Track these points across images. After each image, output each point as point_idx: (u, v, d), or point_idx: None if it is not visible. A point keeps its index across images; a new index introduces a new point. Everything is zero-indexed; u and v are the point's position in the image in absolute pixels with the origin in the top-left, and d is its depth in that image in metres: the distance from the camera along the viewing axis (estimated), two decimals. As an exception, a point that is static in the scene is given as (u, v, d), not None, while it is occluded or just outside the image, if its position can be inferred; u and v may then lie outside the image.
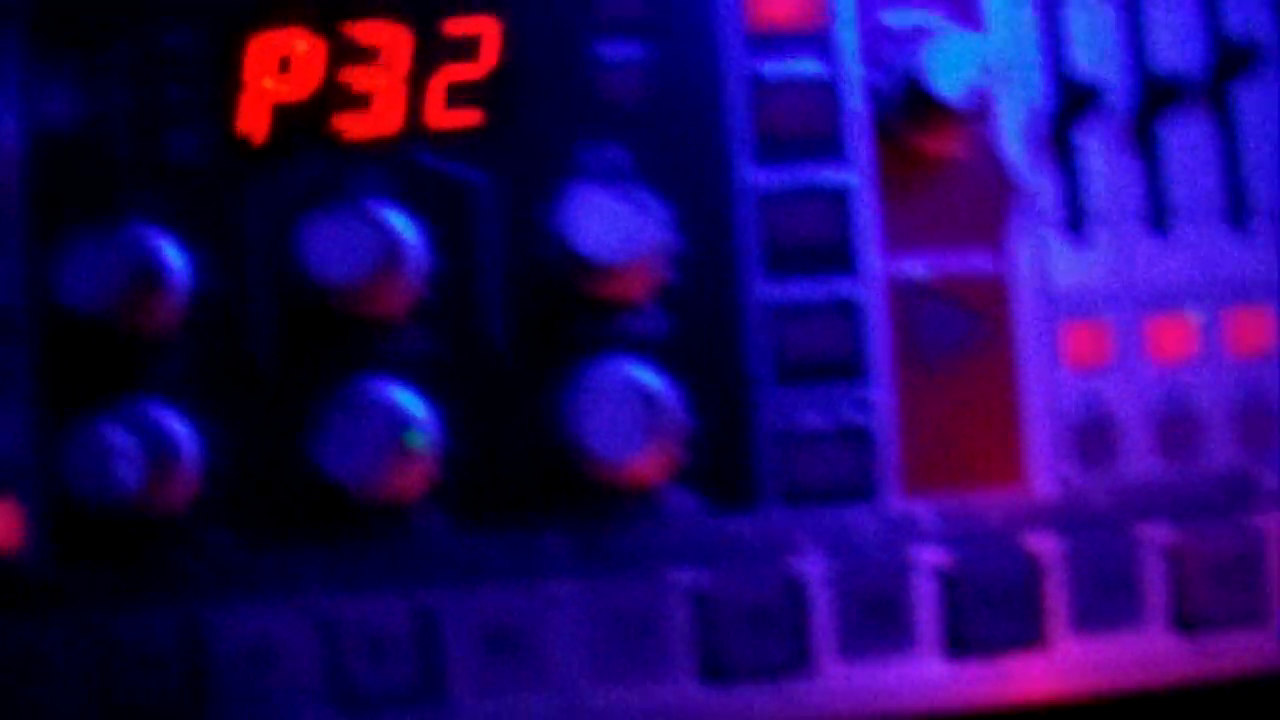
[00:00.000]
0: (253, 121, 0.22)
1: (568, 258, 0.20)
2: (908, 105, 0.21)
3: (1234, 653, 0.22)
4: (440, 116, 0.22)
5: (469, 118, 0.22)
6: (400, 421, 0.20)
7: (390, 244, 0.20)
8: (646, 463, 0.21)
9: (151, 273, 0.21)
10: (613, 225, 0.20)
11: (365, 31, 0.22)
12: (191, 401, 0.21)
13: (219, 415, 0.21)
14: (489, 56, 0.22)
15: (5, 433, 0.21)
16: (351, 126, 0.22)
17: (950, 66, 0.20)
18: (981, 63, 0.20)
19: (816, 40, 0.22)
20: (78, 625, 0.21)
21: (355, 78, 0.22)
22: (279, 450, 0.21)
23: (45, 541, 0.21)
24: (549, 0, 0.22)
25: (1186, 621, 0.22)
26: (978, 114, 0.21)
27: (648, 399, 0.20)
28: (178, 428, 0.21)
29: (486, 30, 0.22)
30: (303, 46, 0.22)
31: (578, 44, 0.22)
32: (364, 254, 0.20)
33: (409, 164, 0.22)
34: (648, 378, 0.21)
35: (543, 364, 0.21)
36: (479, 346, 0.22)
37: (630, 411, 0.20)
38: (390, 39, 0.22)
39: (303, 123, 0.22)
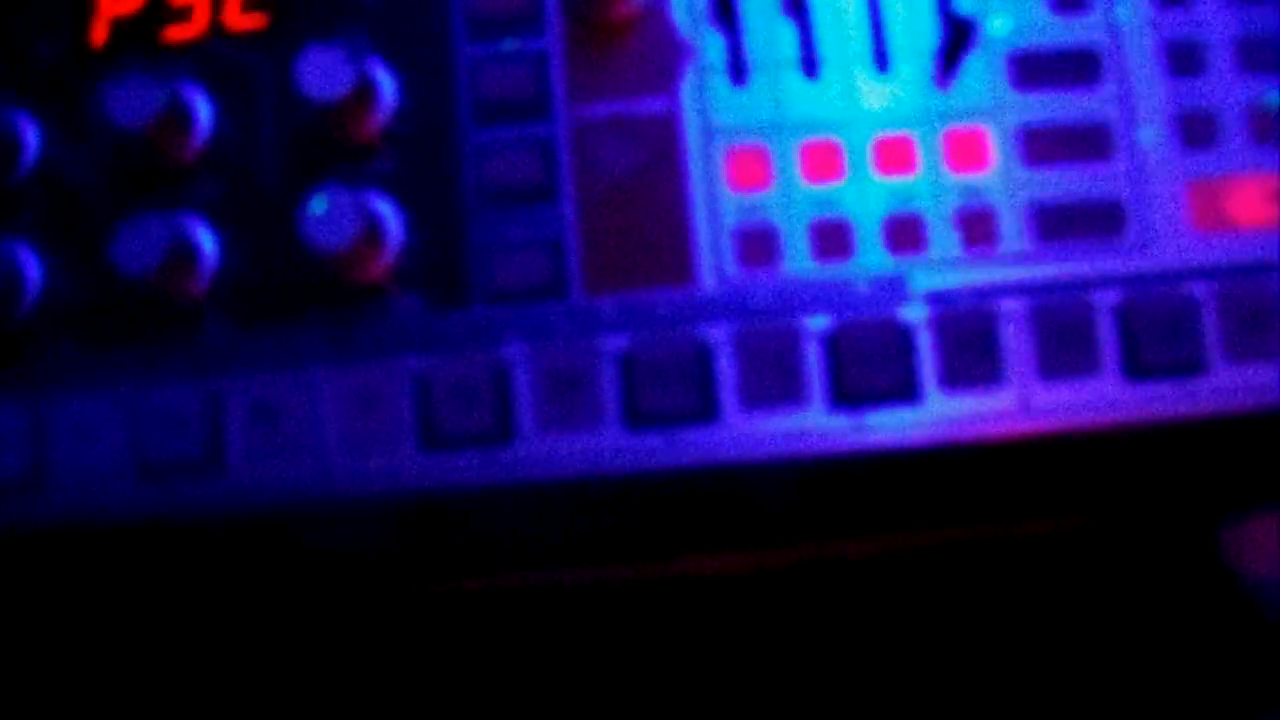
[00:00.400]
0: (99, 32, 0.29)
1: (303, 103, 0.26)
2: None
3: (889, 428, 0.26)
4: (236, 21, 0.28)
5: (256, 20, 0.28)
6: (184, 241, 0.26)
7: (179, 103, 0.27)
8: (373, 267, 0.26)
9: (7, 138, 0.27)
10: (336, 75, 0.26)
11: (184, -35, 0.29)
12: (38, 233, 0.28)
13: (58, 245, 0.27)
14: (273, -26, 0.28)
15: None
16: (173, 33, 0.29)
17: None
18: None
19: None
20: (112, 393, 0.27)
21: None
22: (100, 269, 0.27)
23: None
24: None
25: (845, 398, 0.26)
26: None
27: (368, 213, 0.26)
28: (24, 254, 0.27)
29: (273, -45, 0.29)
30: (138, -23, 0.29)
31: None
32: (157, 111, 0.26)
33: (210, 55, 0.28)
34: (375, 202, 0.26)
35: (299, 196, 0.27)
36: (254, 185, 0.27)
37: (352, 216, 0.25)
38: (201, -32, 0.29)
39: (134, 31, 0.29)
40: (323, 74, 0.26)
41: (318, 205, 0.25)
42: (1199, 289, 0.26)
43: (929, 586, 0.34)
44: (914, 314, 0.26)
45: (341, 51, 0.26)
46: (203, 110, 0.28)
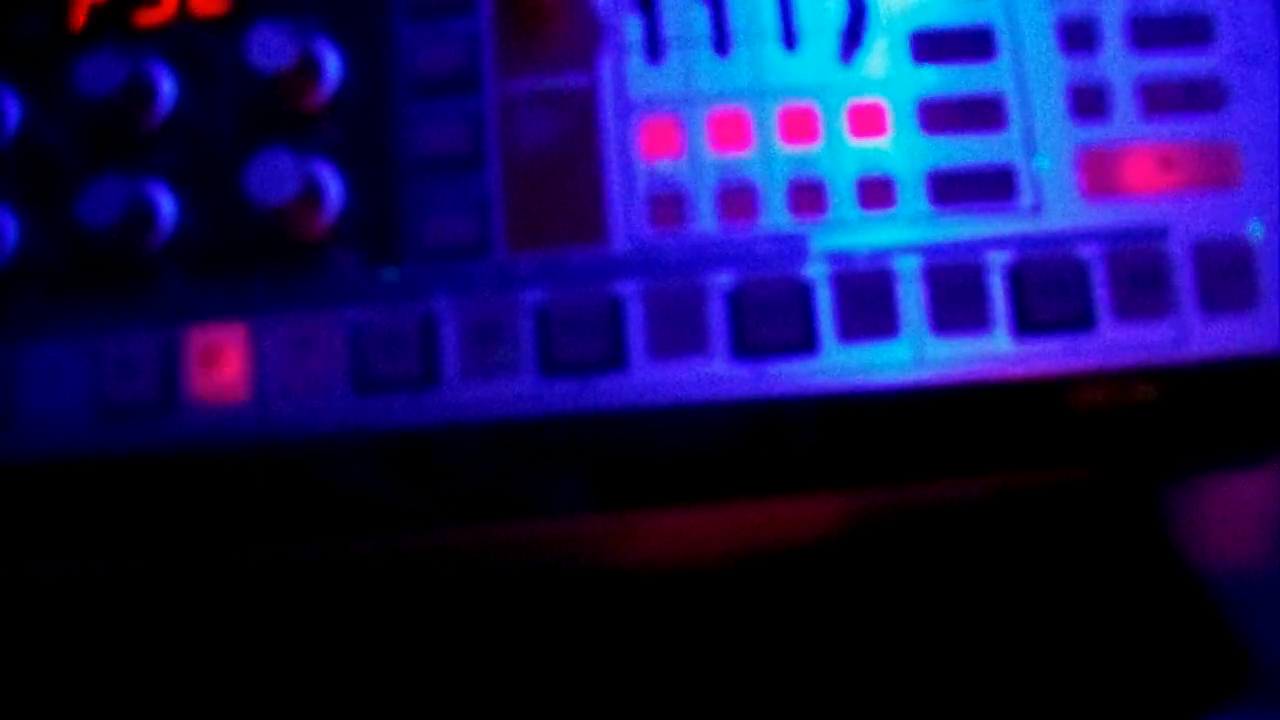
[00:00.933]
0: (77, 16, 0.31)
1: (253, 75, 0.28)
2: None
3: (788, 378, 0.27)
4: (201, 6, 0.31)
5: (220, 6, 0.31)
6: (144, 202, 0.29)
7: (144, 76, 0.29)
8: (314, 226, 0.29)
9: (-7, 111, 0.30)
10: (282, 49, 0.28)
11: (156, -47, 0.32)
12: (15, 195, 0.30)
13: (33, 204, 0.30)
14: (236, -36, 0.31)
15: None
16: (143, 18, 0.31)
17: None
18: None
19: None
20: (75, 340, 0.29)
21: (149, -15, 0.31)
22: (68, 227, 0.30)
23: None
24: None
25: (747, 349, 0.28)
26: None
27: (309, 175, 0.28)
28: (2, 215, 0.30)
29: (236, -54, 0.31)
30: (116, -33, 0.32)
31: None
32: (123, 83, 0.29)
33: (176, 37, 0.31)
34: (318, 168, 0.29)
35: (250, 158, 0.29)
36: (209, 152, 0.30)
37: (293, 176, 0.28)
38: (171, -42, 0.31)
39: (109, 15, 0.31)
40: (270, 48, 0.28)
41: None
42: (1088, 250, 0.28)
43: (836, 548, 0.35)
44: (813, 271, 0.28)
45: (288, 28, 0.28)
46: (166, 84, 0.30)
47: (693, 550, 0.38)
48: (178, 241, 0.29)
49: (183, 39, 0.31)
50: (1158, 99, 0.29)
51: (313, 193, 0.28)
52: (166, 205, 0.30)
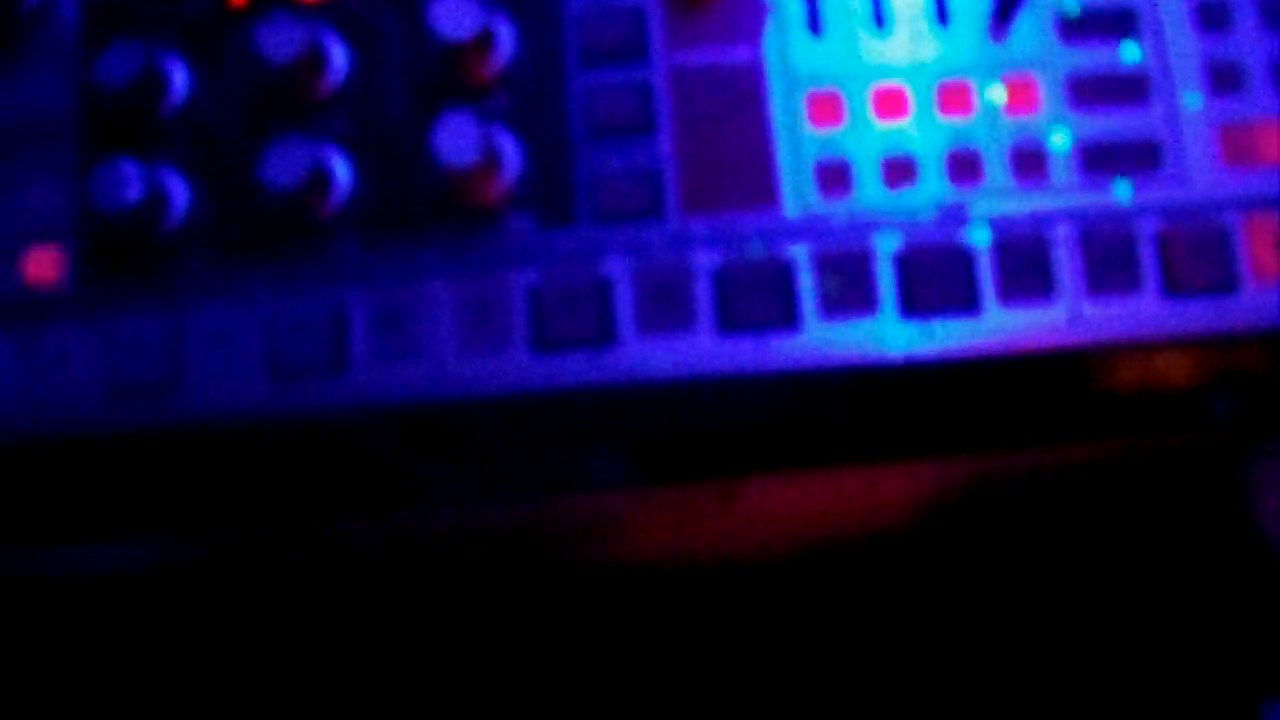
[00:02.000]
0: (239, -8, 0.32)
1: (434, 43, 0.29)
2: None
3: (953, 336, 0.29)
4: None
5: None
6: (323, 166, 0.30)
7: (318, 44, 0.30)
8: (492, 190, 0.29)
9: (157, 78, 0.31)
10: (465, 19, 0.29)
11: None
12: (185, 161, 0.31)
13: (203, 171, 0.31)
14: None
15: (54, 195, 0.31)
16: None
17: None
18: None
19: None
20: (94, 329, 0.30)
21: (310, -38, 0.32)
22: (241, 193, 0.30)
23: (76, 274, 0.30)
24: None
25: (914, 308, 0.29)
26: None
27: (489, 138, 0.29)
28: (172, 179, 0.31)
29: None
30: (276, -57, 0.32)
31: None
32: (298, 50, 0.30)
33: (345, 11, 0.32)
34: (495, 131, 0.30)
35: (427, 127, 0.30)
36: (383, 120, 0.31)
37: (479, 147, 0.29)
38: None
39: (272, -7, 0.32)
40: (453, 18, 0.29)
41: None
42: (1229, 217, 0.29)
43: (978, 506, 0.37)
44: (975, 237, 0.29)
45: (469, 1, 0.29)
46: (338, 53, 0.31)
47: (781, 531, 0.39)
48: (353, 206, 0.30)
49: (352, 13, 0.32)
50: (1289, 77, 0.30)
51: (494, 157, 0.29)
52: (342, 170, 0.30)
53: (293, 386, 0.30)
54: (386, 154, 0.30)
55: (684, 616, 0.39)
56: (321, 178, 0.30)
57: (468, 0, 0.29)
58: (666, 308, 0.29)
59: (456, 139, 0.28)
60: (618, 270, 0.29)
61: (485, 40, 0.30)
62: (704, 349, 0.29)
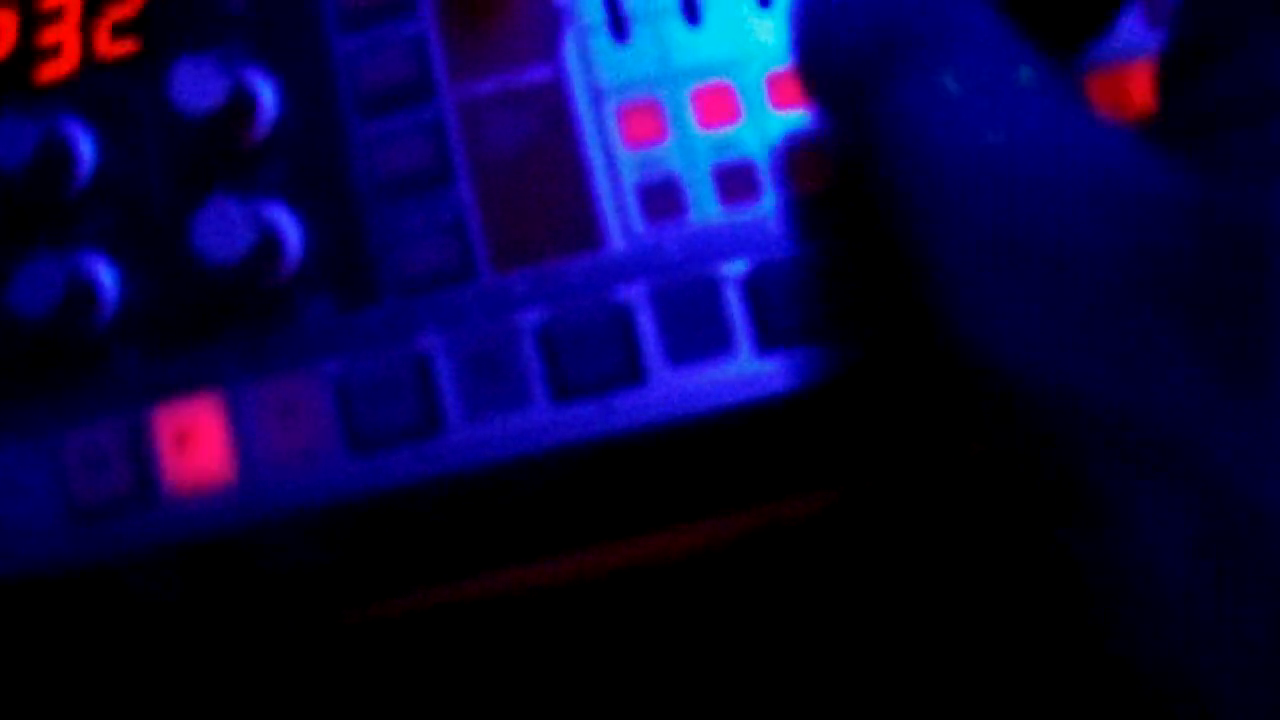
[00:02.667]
0: (-29, 81, 0.28)
1: (181, 119, 0.25)
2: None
3: (816, 364, 0.25)
4: (107, 49, 0.28)
5: (128, 46, 0.28)
6: (81, 278, 0.26)
7: (58, 138, 0.26)
8: (276, 275, 0.26)
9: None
10: (210, 86, 0.25)
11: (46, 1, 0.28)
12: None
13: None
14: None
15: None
16: (46, 72, 0.28)
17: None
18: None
19: (383, -72, 0.27)
20: (32, 441, 0.26)
21: (45, 36, 0.28)
22: (-1, 320, 0.26)
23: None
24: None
25: (773, 339, 0.25)
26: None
27: (262, 221, 0.25)
28: None
29: (137, -23, 0.28)
30: (6, 20, 0.28)
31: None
32: (35, 149, 0.26)
33: (86, 88, 0.28)
34: (270, 210, 0.26)
35: (191, 214, 0.26)
36: (146, 210, 0.27)
37: (246, 227, 0.25)
38: (65, 2, 0.28)
39: (7, 77, 0.28)
40: (196, 87, 0.25)
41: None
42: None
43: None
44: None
45: (213, 61, 0.25)
46: (84, 143, 0.27)
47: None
48: (126, 314, 0.26)
49: (94, 89, 0.28)
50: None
51: (270, 240, 0.25)
52: (107, 277, 0.26)
53: (95, 526, 0.26)
54: (154, 251, 0.27)
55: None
56: (83, 291, 0.26)
57: (209, 62, 0.25)
58: (492, 381, 0.25)
59: (220, 232, 0.25)
60: (433, 345, 0.26)
61: (240, 104, 0.26)
62: (541, 421, 0.25)
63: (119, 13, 0.28)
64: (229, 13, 0.27)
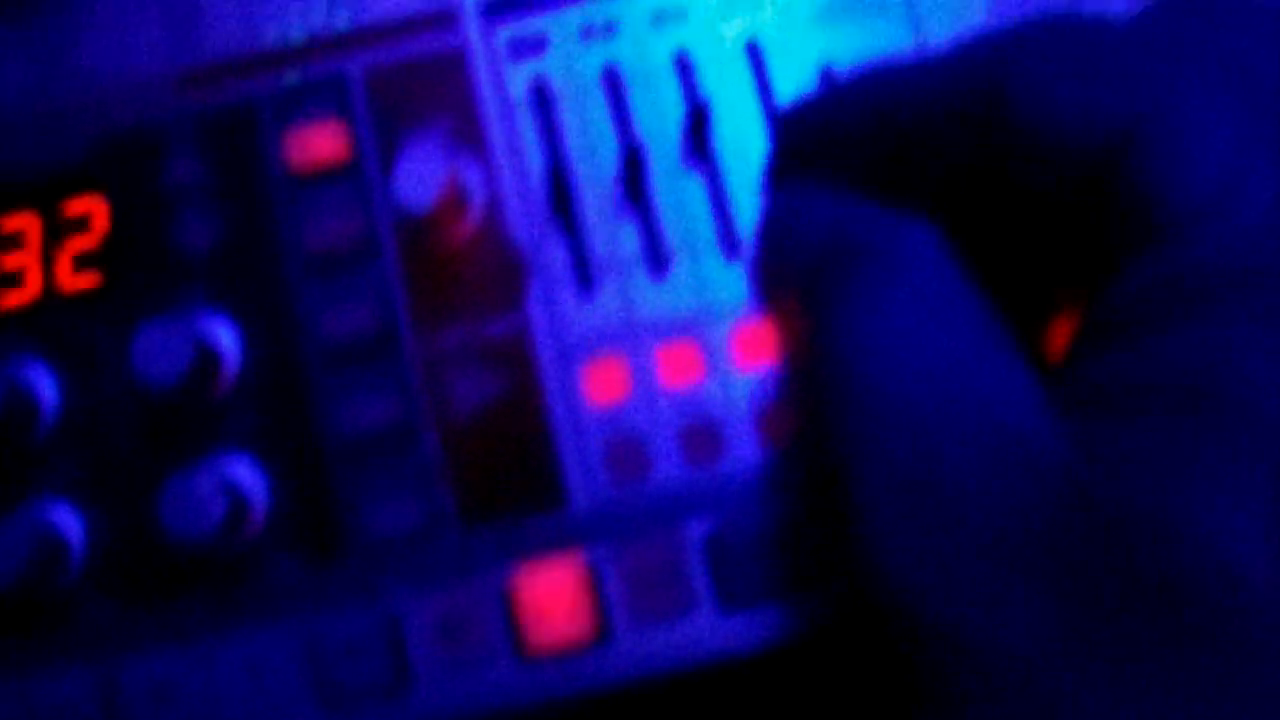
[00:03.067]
0: (-70, 311, 0.28)
1: (146, 387, 0.25)
2: (408, 220, 0.26)
3: (772, 624, 0.26)
4: (69, 281, 0.28)
5: (90, 280, 0.27)
6: (52, 536, 0.26)
7: (19, 385, 0.26)
8: (243, 537, 0.26)
9: None
10: (173, 354, 0.25)
11: (6, 224, 0.28)
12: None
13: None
14: (100, 228, 0.28)
15: None
16: (6, 300, 0.28)
17: (415, 179, 0.25)
18: (441, 173, 0.25)
19: (348, 176, 0.27)
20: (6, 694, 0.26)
21: (5, 261, 0.28)
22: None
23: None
24: (144, 180, 0.27)
25: (730, 602, 0.26)
26: (454, 211, 0.25)
27: (227, 486, 0.25)
28: None
29: (96, 208, 0.28)
30: (-36, 244, 0.28)
31: (165, 214, 0.27)
32: (-3, 405, 0.26)
33: (48, 323, 0.27)
34: (234, 468, 0.26)
35: (160, 469, 0.26)
36: (112, 459, 0.27)
37: (214, 498, 0.25)
38: (25, 226, 0.28)
39: (-33, 304, 0.28)
40: (159, 357, 0.25)
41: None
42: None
43: None
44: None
45: (174, 325, 0.25)
46: (47, 387, 0.27)
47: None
48: (96, 567, 0.27)
49: (56, 325, 0.27)
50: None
51: (237, 505, 0.25)
52: (74, 530, 0.27)
53: (68, 772, 0.26)
54: (121, 504, 0.27)
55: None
56: (50, 545, 0.26)
57: (170, 329, 0.25)
58: (461, 641, 0.26)
59: (187, 509, 0.25)
60: (402, 604, 0.26)
61: (203, 365, 0.26)
62: (505, 682, 0.26)
63: (81, 243, 0.28)
64: (190, 253, 0.27)
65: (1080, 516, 0.15)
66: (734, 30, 0.27)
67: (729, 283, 0.27)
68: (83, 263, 0.28)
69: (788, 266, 0.21)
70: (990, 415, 0.17)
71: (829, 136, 0.22)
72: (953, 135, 0.20)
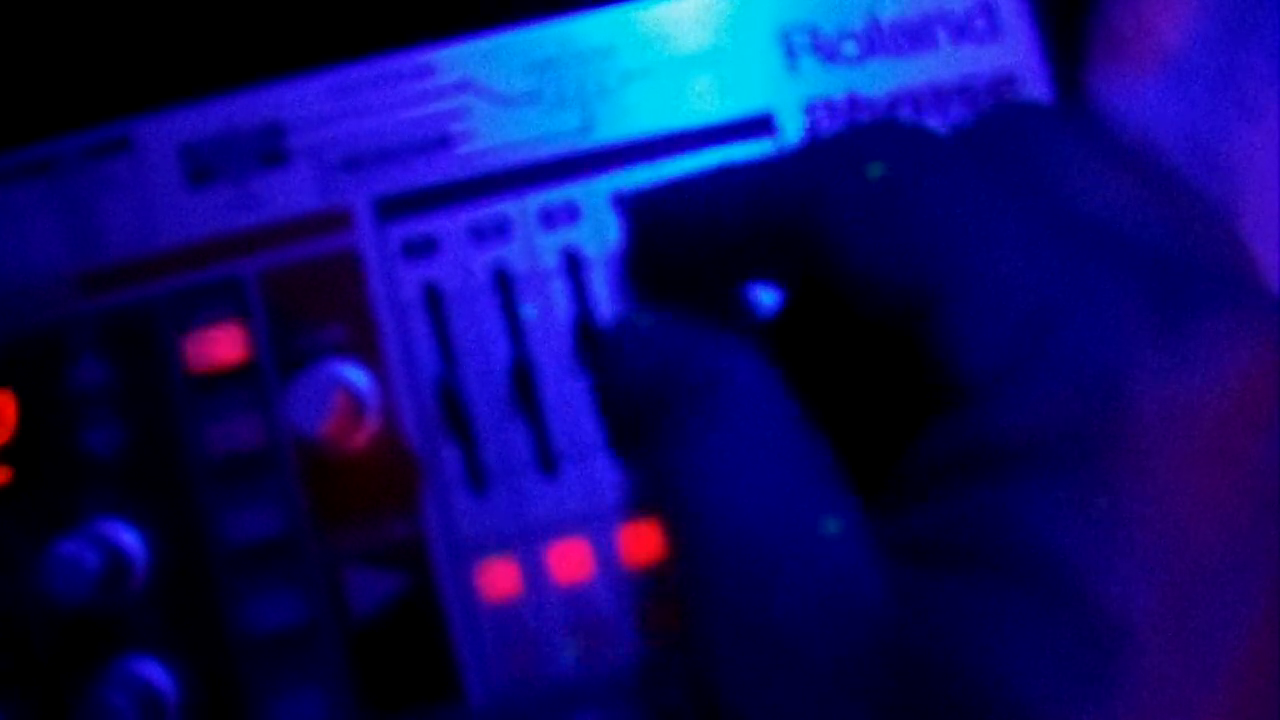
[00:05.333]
0: None
1: (53, 603, 0.26)
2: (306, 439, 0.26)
3: (662, 809, 0.27)
4: (-20, 478, 0.28)
5: (2, 476, 0.28)
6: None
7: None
8: (155, 735, 0.27)
9: None
10: (77, 578, 0.26)
11: (-84, 421, 0.28)
12: None
13: None
14: (7, 425, 0.28)
15: None
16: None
17: (308, 403, 0.26)
18: (332, 397, 0.26)
19: (247, 378, 0.28)
20: None
21: (-84, 457, 0.29)
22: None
23: None
24: (50, 380, 0.28)
25: (623, 788, 0.27)
26: (349, 425, 0.26)
27: (140, 689, 0.26)
28: None
29: (4, 405, 0.28)
30: (-124, 440, 0.29)
31: (71, 415, 0.28)
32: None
33: (-39, 523, 0.28)
34: (144, 668, 0.27)
35: (72, 672, 0.27)
36: (21, 667, 0.28)
37: (129, 704, 0.26)
38: (-65, 424, 0.28)
39: (-119, 501, 0.28)
40: (67, 577, 0.26)
41: None
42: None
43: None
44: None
45: (83, 539, 0.26)
46: (-47, 590, 0.28)
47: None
48: (14, 763, 0.28)
49: (-32, 526, 0.28)
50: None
51: (150, 708, 0.27)
52: (-6, 728, 0.28)
53: None
54: (32, 708, 0.28)
55: None
56: (-28, 744, 0.27)
57: (77, 548, 0.26)
58: (365, 829, 0.27)
59: (99, 713, 0.26)
60: (312, 795, 0.27)
61: (110, 576, 0.27)
62: None
63: (-9, 439, 0.28)
64: (97, 455, 0.28)
65: (897, 658, 0.16)
66: (618, 230, 0.28)
67: (618, 482, 0.28)
68: (-7, 459, 0.28)
69: (618, 403, 0.21)
70: (815, 555, 0.17)
71: (668, 231, 0.21)
72: (777, 245, 0.19)
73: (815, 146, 0.19)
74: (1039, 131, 0.19)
